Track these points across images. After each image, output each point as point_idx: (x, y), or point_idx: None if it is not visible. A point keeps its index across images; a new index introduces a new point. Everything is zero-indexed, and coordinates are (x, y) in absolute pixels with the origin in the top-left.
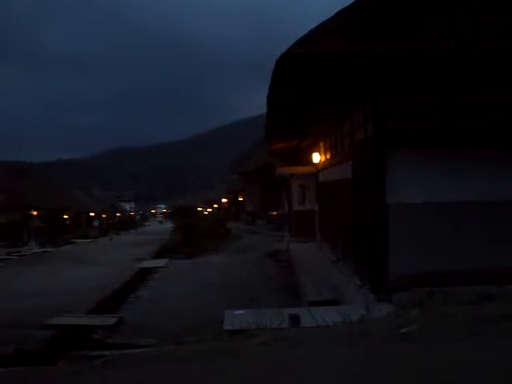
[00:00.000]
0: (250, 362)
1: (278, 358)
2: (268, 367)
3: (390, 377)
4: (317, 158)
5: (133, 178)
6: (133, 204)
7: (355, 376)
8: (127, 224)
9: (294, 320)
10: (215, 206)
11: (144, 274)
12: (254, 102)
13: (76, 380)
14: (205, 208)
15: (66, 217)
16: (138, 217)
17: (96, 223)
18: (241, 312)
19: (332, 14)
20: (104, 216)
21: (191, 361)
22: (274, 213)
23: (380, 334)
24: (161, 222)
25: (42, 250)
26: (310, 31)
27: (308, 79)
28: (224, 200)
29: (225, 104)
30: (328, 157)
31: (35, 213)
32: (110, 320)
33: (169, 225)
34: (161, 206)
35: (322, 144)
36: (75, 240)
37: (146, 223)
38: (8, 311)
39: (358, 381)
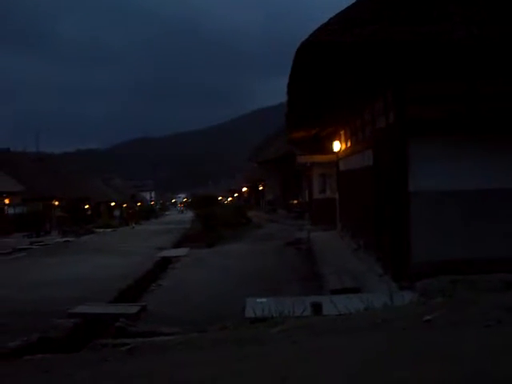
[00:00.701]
0: (274, 349)
1: (302, 346)
2: (292, 355)
3: (415, 363)
4: (337, 146)
5: (153, 168)
6: (153, 193)
7: (380, 363)
8: (148, 213)
9: (316, 308)
10: (236, 194)
11: (165, 263)
12: (275, 91)
13: (101, 367)
14: (225, 197)
15: (86, 207)
16: (158, 206)
17: (117, 213)
18: (262, 300)
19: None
20: (125, 206)
21: (215, 348)
22: (295, 201)
23: (403, 321)
24: (181, 212)
25: (64, 239)
26: (330, 19)
27: (329, 67)
28: (244, 189)
29: (246, 92)
30: (349, 145)
31: (57, 203)
32: (132, 308)
33: (189, 214)
34: (181, 195)
35: (342, 132)
36: (96, 230)
37: (167, 213)
38: (31, 300)
39: (383, 368)
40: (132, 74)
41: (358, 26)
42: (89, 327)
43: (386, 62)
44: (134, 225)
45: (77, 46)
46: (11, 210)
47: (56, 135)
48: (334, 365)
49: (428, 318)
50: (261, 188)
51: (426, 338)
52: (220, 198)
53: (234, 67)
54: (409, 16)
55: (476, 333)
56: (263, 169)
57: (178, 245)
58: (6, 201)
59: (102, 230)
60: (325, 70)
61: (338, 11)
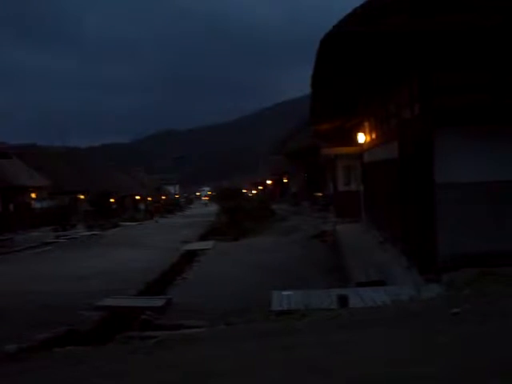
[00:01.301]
0: (302, 341)
1: (330, 338)
2: (320, 347)
3: (444, 356)
4: (362, 138)
5: (178, 161)
6: (178, 187)
7: (409, 356)
8: (173, 207)
9: (342, 301)
10: (260, 187)
11: (190, 256)
12: (300, 83)
13: (130, 359)
14: (250, 190)
15: (112, 200)
16: (183, 200)
17: (142, 206)
18: (288, 293)
19: None
20: (149, 199)
21: (243, 341)
22: (319, 194)
23: (431, 314)
24: (206, 205)
25: (90, 233)
26: (355, 9)
27: (353, 58)
28: (269, 182)
29: (271, 85)
30: (373, 137)
31: (82, 197)
32: (158, 301)
33: (214, 207)
34: (206, 188)
35: (367, 124)
36: (122, 223)
37: (191, 206)
38: (59, 293)
39: (413, 361)
40: (157, 68)
41: (382, 16)
42: (115, 320)
43: (412, 51)
44: (158, 218)
45: (103, 41)
46: (38, 204)
47: (81, 130)
48: (361, 357)
49: (456, 310)
50: (285, 180)
51: (456, 330)
52: (244, 190)
53: (258, 60)
54: (434, 5)
55: (506, 325)
56: (287, 161)
57: (202, 238)
58: (33, 195)
59: (127, 223)
60: (349, 61)
61: (362, 1)
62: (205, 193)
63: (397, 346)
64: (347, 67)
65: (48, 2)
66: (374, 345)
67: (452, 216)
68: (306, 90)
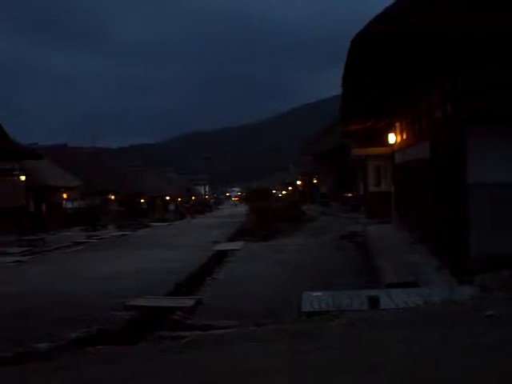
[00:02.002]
0: (333, 343)
1: (362, 339)
2: (352, 348)
3: (481, 359)
4: (392, 138)
5: (207, 162)
6: (207, 187)
7: (444, 358)
8: (202, 207)
9: (373, 302)
10: (290, 188)
11: (220, 257)
12: (329, 83)
13: (161, 359)
14: (279, 190)
15: (142, 201)
16: (212, 200)
17: (172, 207)
18: (319, 294)
19: None
20: (179, 200)
21: (273, 341)
22: (349, 194)
23: (465, 316)
24: (235, 205)
25: (120, 233)
26: (386, 8)
27: (384, 58)
28: (298, 182)
29: (300, 85)
30: (404, 137)
31: (113, 197)
32: (188, 302)
33: (243, 208)
34: (235, 188)
35: (397, 124)
36: (152, 223)
37: (221, 206)
38: (89, 292)
39: (448, 363)
40: (186, 69)
41: (413, 15)
42: (145, 320)
43: (444, 51)
44: (190, 218)
45: (133, 43)
46: (69, 205)
47: (111, 131)
48: (394, 358)
49: (491, 313)
50: (315, 181)
51: (491, 332)
52: (274, 191)
53: (288, 60)
54: (467, 3)
55: None
56: (317, 162)
57: (232, 238)
58: (64, 195)
59: (157, 223)
60: (380, 61)
61: (394, 0)
62: (234, 193)
63: (427, 349)
64: (378, 67)
65: (85, 3)
66: (408, 346)
67: (484, 217)
68: (336, 90)
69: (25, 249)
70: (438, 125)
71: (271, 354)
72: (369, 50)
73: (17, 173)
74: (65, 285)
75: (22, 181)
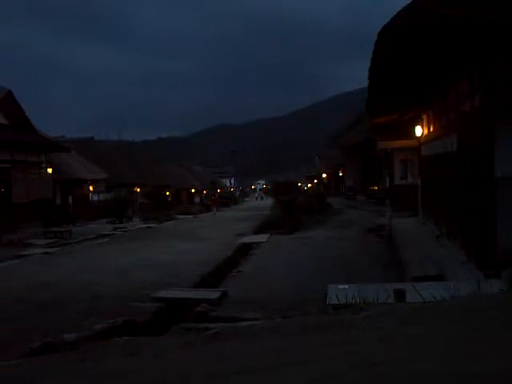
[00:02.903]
0: (361, 335)
1: (389, 333)
2: (379, 341)
3: (505, 356)
4: (419, 131)
5: (233, 155)
6: (233, 180)
7: (473, 352)
8: (228, 200)
9: (400, 295)
10: (315, 181)
11: (245, 249)
12: (355, 76)
13: (187, 350)
14: (305, 183)
15: (167, 193)
16: (238, 193)
17: (197, 199)
18: (345, 286)
19: None
20: (205, 192)
21: (300, 334)
22: (375, 187)
23: (495, 311)
24: (261, 198)
25: (146, 225)
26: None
27: (411, 50)
28: (324, 175)
29: (325, 78)
30: (431, 130)
31: (138, 190)
32: (213, 294)
33: (269, 200)
34: (260, 181)
35: (424, 117)
36: (177, 216)
37: (246, 199)
38: (116, 284)
39: (478, 357)
40: (211, 62)
41: (442, 6)
42: (171, 311)
43: (473, 42)
44: (215, 211)
45: (159, 36)
46: (95, 197)
47: (137, 124)
48: (422, 352)
49: None
50: (340, 174)
51: None
52: (299, 184)
53: (313, 53)
54: None
55: None
56: (343, 155)
57: (258, 231)
58: (91, 188)
59: (182, 216)
60: (407, 53)
61: None
62: (260, 186)
63: (456, 344)
64: (405, 59)
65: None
66: (433, 341)
67: None
68: (363, 82)
69: (52, 240)
70: (465, 117)
71: (298, 346)
72: (396, 41)
73: (44, 165)
74: (91, 276)
75: (50, 173)
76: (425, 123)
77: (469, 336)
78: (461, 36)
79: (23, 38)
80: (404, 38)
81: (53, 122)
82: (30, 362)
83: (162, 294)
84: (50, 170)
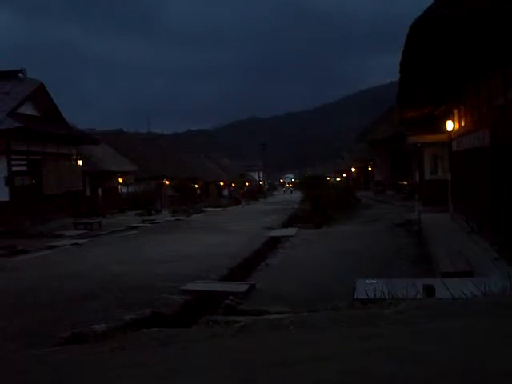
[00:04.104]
0: (390, 330)
1: (418, 328)
2: (408, 337)
3: None
4: (450, 125)
5: (261, 148)
6: (261, 174)
7: (505, 349)
8: (256, 193)
9: (429, 291)
10: (344, 175)
11: (274, 243)
12: (384, 69)
13: (215, 342)
14: (334, 177)
15: (196, 186)
16: (266, 186)
17: (225, 192)
18: (373, 281)
19: None
20: (233, 185)
21: (328, 328)
22: (404, 182)
23: None
24: (291, 192)
25: (175, 218)
26: None
27: (444, 43)
28: (353, 169)
29: (355, 71)
30: (463, 124)
31: (167, 182)
32: (241, 287)
33: (297, 194)
34: (289, 175)
35: (456, 111)
36: (206, 209)
37: (275, 193)
38: (144, 276)
39: (509, 354)
40: (240, 56)
41: None
42: (199, 304)
43: (507, 34)
44: (244, 203)
45: (188, 28)
46: (124, 189)
47: (166, 116)
48: (451, 349)
49: None
50: (369, 168)
51: None
52: (328, 178)
53: (343, 46)
54: None
55: None
56: (372, 149)
57: (286, 225)
58: (120, 180)
59: (211, 209)
60: (440, 47)
61: None
62: (289, 180)
63: (490, 339)
64: (437, 53)
65: None
66: (462, 337)
67: None
68: (393, 76)
69: (81, 232)
70: (498, 111)
71: (327, 340)
72: (428, 35)
73: (74, 157)
74: (120, 268)
75: (80, 165)
76: (456, 118)
77: (500, 333)
78: (494, 30)
79: (54, 32)
80: (436, 31)
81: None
82: (60, 352)
83: (190, 286)
84: (80, 162)
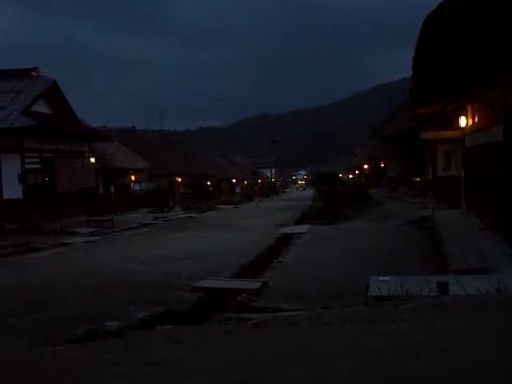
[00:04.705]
0: (404, 327)
1: (433, 325)
2: (422, 333)
3: None
4: (464, 121)
5: (273, 145)
6: (274, 170)
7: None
8: (269, 190)
9: (443, 288)
10: (357, 172)
11: (286, 240)
12: (396, 66)
13: (228, 339)
14: (346, 174)
15: (208, 183)
16: (278, 183)
17: (238, 189)
18: (386, 278)
19: None
20: (245, 182)
21: (343, 325)
22: (417, 179)
23: None
24: (304, 189)
25: (187, 215)
26: None
27: (458, 39)
28: (365, 166)
29: (366, 68)
30: (476, 120)
31: (180, 179)
32: (254, 284)
33: (310, 191)
34: (301, 172)
35: (469, 107)
36: (218, 206)
37: (287, 189)
38: (157, 273)
39: None
40: (252, 53)
41: None
42: (211, 301)
43: None
44: (258, 201)
45: (198, 26)
46: (137, 187)
47: (178, 114)
48: (466, 345)
49: None
50: (382, 165)
51: None
52: (341, 175)
53: (354, 43)
54: None
55: None
56: (385, 145)
57: (298, 222)
58: (132, 177)
59: (223, 206)
60: (454, 42)
61: None
62: (301, 176)
63: (504, 336)
64: (451, 49)
65: None
66: (477, 334)
67: None
68: (402, 72)
69: (94, 229)
70: None
71: (342, 338)
72: (442, 30)
73: (87, 155)
74: (133, 265)
75: (92, 163)
76: (469, 114)
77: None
78: (507, 24)
79: (65, 29)
80: (450, 27)
81: (95, 111)
82: (74, 349)
83: (203, 283)
84: (92, 160)
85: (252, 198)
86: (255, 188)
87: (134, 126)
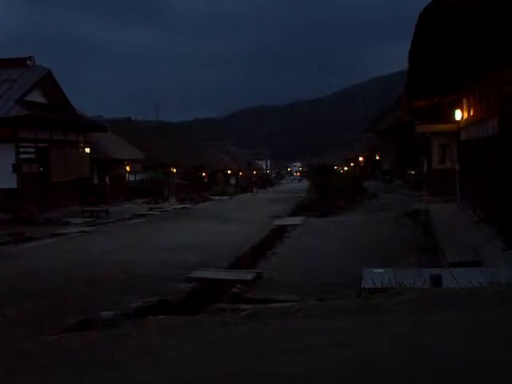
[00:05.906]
0: (396, 319)
1: (426, 318)
2: (415, 325)
3: None
4: (459, 115)
5: (269, 137)
6: (269, 162)
7: (506, 339)
8: (264, 182)
9: (436, 280)
10: (352, 164)
11: (281, 231)
12: (392, 59)
13: (222, 330)
14: (341, 166)
15: (203, 174)
16: (273, 175)
17: (233, 181)
18: (380, 270)
19: None
20: (240, 174)
21: (334, 317)
22: (412, 172)
23: None
24: (298, 181)
25: (182, 206)
26: None
27: (454, 32)
28: (361, 158)
29: (362, 61)
30: (471, 113)
31: (174, 170)
32: (248, 275)
33: (305, 183)
34: (297, 164)
35: (464, 100)
36: (213, 197)
37: (282, 181)
38: (151, 264)
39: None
40: (249, 44)
41: None
42: (205, 292)
43: None
44: (255, 192)
45: (195, 15)
46: (132, 177)
47: (173, 104)
48: (459, 337)
49: None
50: (377, 158)
51: None
52: (336, 167)
53: (352, 35)
54: None
55: None
56: (380, 138)
57: (293, 213)
58: (127, 168)
59: (218, 197)
60: (450, 35)
61: None
62: (296, 168)
63: (497, 328)
64: (447, 41)
65: None
66: (469, 327)
67: None
68: (402, 65)
69: (89, 219)
70: (508, 100)
71: (332, 330)
72: (438, 23)
73: (82, 145)
74: (127, 255)
75: (87, 153)
76: (465, 107)
77: (507, 322)
78: (503, 17)
79: (61, 18)
80: (446, 19)
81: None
82: (69, 338)
83: (197, 274)
84: (87, 150)
85: (246, 190)
86: (254, 179)
87: (130, 117)
